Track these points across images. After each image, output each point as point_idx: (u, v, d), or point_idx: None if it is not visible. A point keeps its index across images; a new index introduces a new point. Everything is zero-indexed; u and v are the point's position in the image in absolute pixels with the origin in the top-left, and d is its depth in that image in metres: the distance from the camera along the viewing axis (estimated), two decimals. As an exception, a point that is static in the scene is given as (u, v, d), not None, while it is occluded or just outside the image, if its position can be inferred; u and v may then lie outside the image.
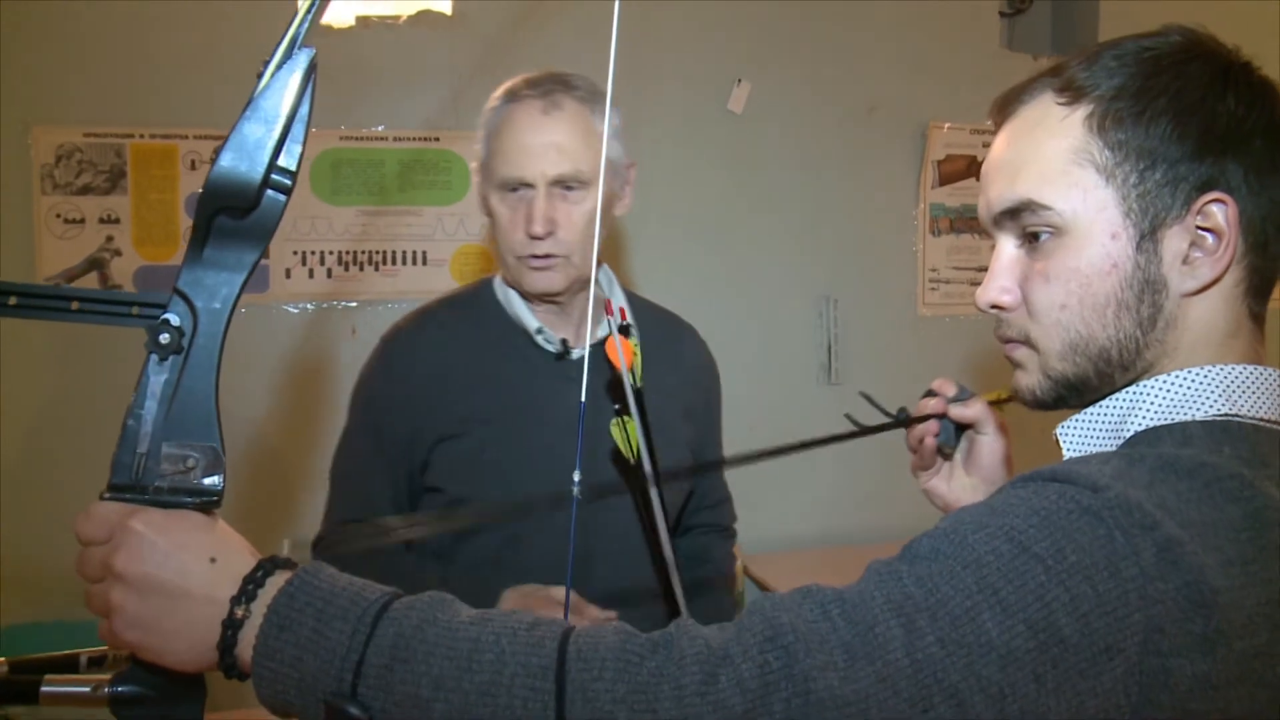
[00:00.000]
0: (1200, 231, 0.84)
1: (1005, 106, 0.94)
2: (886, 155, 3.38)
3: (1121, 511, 0.72)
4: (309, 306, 2.91)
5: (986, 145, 3.32)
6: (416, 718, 0.73)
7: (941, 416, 1.26)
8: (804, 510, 3.31)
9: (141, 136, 2.80)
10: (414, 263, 2.97)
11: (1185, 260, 0.84)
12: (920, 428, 1.27)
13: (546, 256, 1.51)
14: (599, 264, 1.63)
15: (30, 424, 2.72)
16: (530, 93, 1.51)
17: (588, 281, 1.60)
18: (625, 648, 0.74)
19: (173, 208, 2.83)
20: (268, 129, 0.80)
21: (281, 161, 0.81)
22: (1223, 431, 0.82)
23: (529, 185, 1.50)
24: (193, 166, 2.82)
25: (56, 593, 2.66)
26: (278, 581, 0.79)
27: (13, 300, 0.80)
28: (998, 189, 0.91)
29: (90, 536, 0.80)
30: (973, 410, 1.23)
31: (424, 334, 1.63)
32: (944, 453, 1.29)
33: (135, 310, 0.82)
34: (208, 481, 0.82)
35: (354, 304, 2.95)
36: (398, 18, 2.93)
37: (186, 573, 0.78)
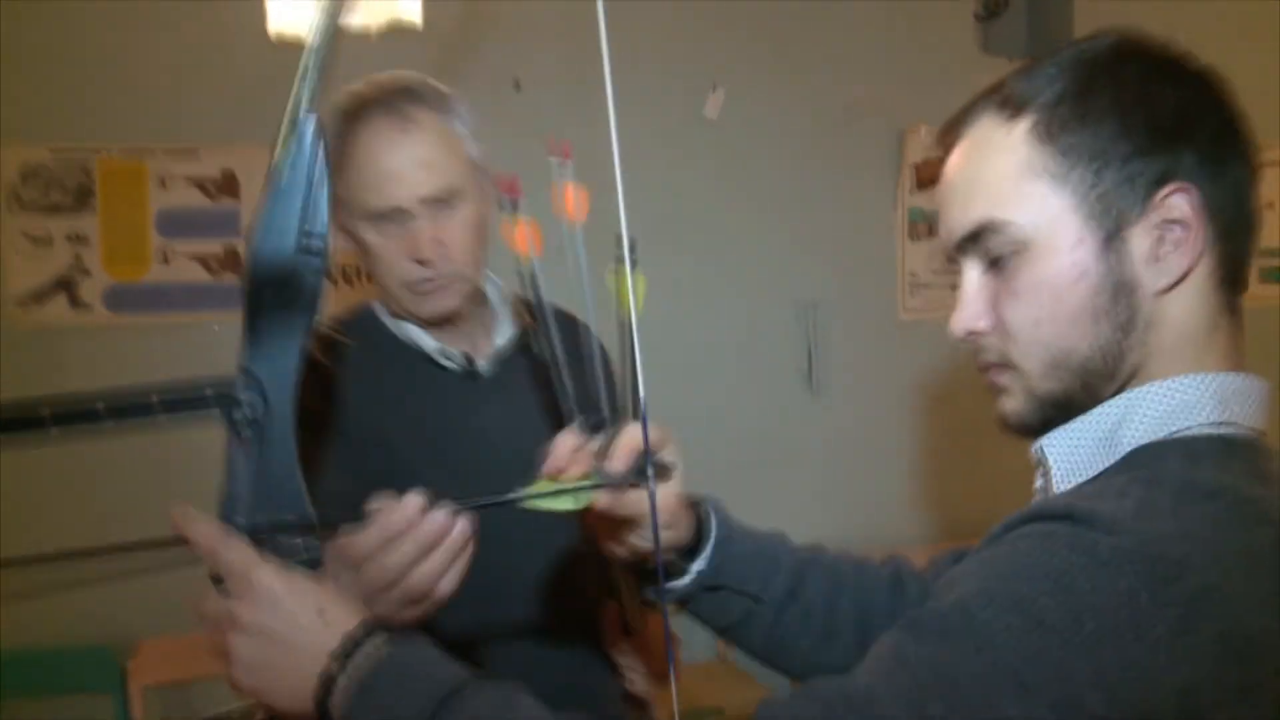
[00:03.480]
0: (1165, 224, 0.82)
1: (949, 132, 0.92)
2: (864, 160, 3.38)
3: (1144, 563, 0.68)
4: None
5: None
6: None
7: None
8: (790, 517, 3.29)
9: (109, 153, 2.76)
10: (389, 277, 2.94)
11: (1155, 257, 0.83)
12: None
13: (438, 277, 1.42)
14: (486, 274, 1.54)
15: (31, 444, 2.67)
16: (375, 111, 1.38)
17: (480, 294, 1.53)
18: None
19: (143, 226, 2.79)
20: (290, 202, 0.84)
21: (309, 227, 0.85)
22: (1227, 446, 0.81)
23: (402, 210, 1.39)
24: (162, 183, 2.79)
25: (58, 617, 2.63)
26: (373, 644, 0.82)
27: (100, 405, 0.84)
28: (954, 216, 0.89)
29: (220, 567, 0.85)
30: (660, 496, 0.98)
31: (324, 354, 1.50)
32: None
33: (210, 392, 0.86)
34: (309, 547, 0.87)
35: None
36: (367, 30, 2.90)
37: (296, 624, 0.82)
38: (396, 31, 2.91)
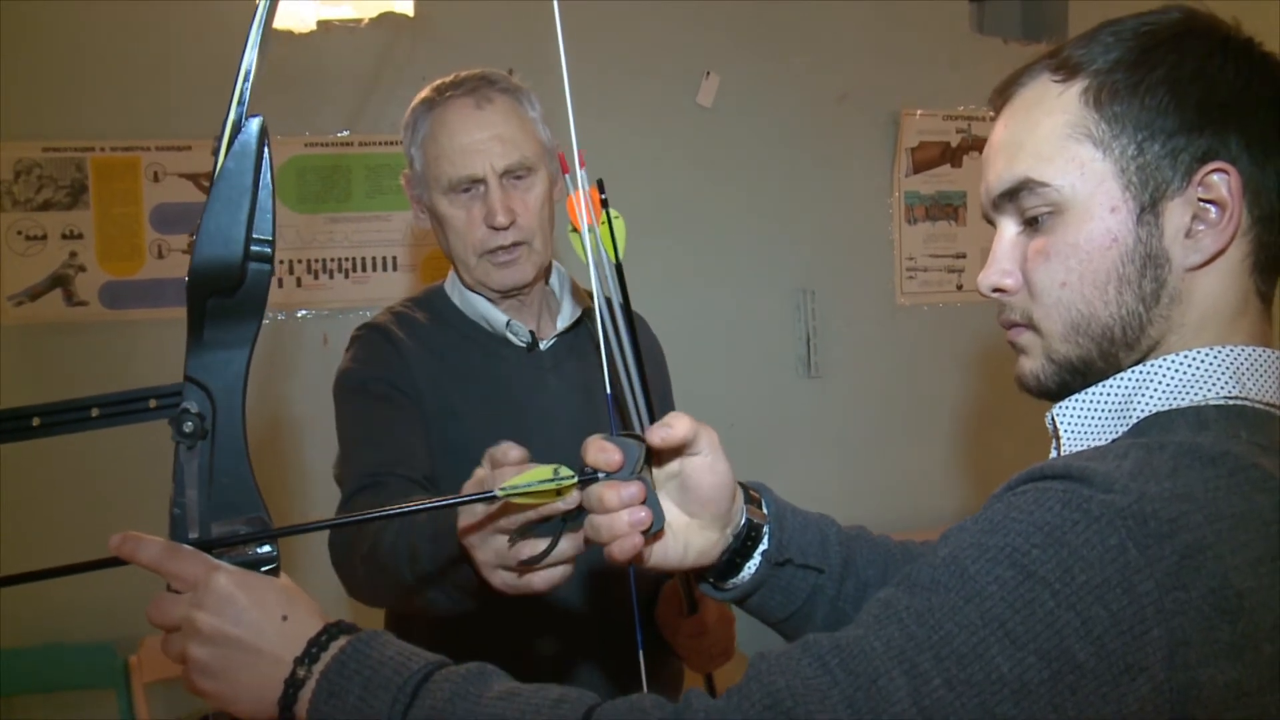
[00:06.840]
0: (1202, 203, 0.82)
1: (1004, 91, 0.92)
2: (859, 144, 3.36)
3: (1135, 521, 0.69)
4: (280, 316, 2.87)
5: (960, 131, 3.34)
6: None
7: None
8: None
9: (102, 150, 2.75)
10: (384, 269, 2.93)
11: (1188, 234, 0.83)
12: (622, 523, 0.91)
13: (513, 246, 1.51)
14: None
15: (29, 446, 2.66)
16: (455, 92, 1.51)
17: (548, 270, 1.62)
18: None
19: (137, 221, 2.78)
20: (235, 207, 0.83)
21: (256, 234, 0.83)
22: (1238, 416, 0.80)
23: (479, 180, 1.50)
24: (155, 178, 2.78)
25: (61, 614, 2.63)
26: (339, 646, 0.82)
27: (36, 421, 0.84)
28: (996, 171, 0.90)
29: (175, 581, 0.84)
30: (677, 430, 0.95)
31: (399, 327, 1.60)
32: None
33: (154, 404, 0.86)
34: (262, 550, 0.87)
35: (325, 312, 2.91)
36: (359, 21, 2.89)
37: (260, 630, 0.82)
38: (388, 22, 2.90)
